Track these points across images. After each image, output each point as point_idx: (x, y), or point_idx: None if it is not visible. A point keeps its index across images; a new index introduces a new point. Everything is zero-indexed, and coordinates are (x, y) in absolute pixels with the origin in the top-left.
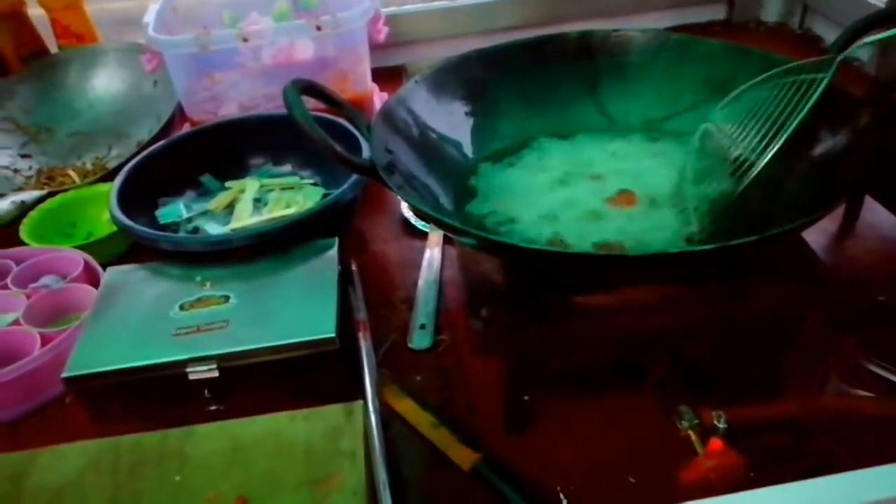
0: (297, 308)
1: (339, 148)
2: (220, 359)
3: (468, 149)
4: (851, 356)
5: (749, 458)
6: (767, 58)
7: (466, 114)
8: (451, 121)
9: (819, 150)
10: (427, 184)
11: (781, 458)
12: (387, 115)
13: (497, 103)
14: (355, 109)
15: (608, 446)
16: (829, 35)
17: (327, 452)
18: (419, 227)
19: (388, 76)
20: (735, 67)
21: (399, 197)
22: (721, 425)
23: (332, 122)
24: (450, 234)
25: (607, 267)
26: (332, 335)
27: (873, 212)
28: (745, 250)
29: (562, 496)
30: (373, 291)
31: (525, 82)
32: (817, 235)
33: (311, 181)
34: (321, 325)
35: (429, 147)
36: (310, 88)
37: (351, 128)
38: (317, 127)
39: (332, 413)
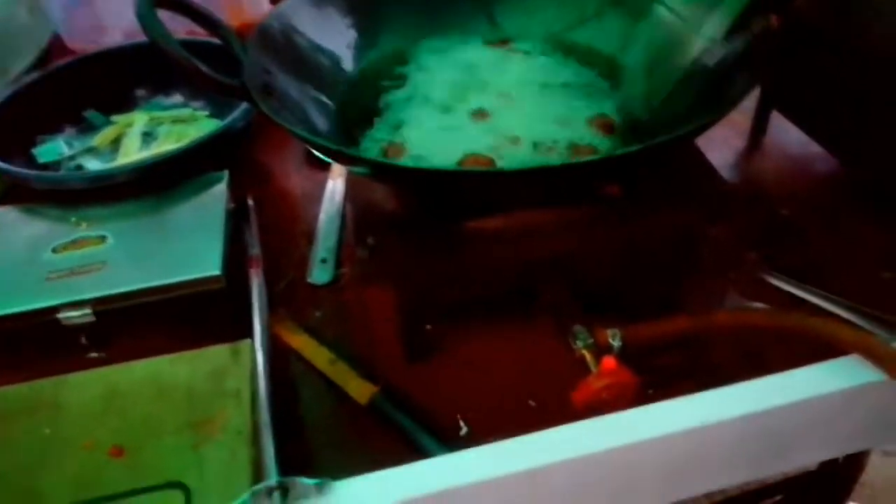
0: (180, 246)
1: (204, 68)
2: (94, 302)
3: (348, 65)
4: (752, 271)
5: (646, 377)
6: None
7: (348, 27)
8: (338, 38)
9: (711, 58)
10: (308, 108)
11: (679, 375)
12: (263, 32)
13: (383, 18)
14: (229, 28)
15: (508, 372)
16: None
17: (211, 393)
18: (324, 158)
19: None
20: None
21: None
22: (616, 343)
23: (216, 46)
24: (335, 161)
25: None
26: (218, 273)
27: (781, 129)
28: (632, 162)
29: (461, 423)
30: (274, 227)
31: None
32: (723, 153)
33: (206, 112)
34: (206, 262)
35: (313, 67)
36: (167, 0)
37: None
38: (176, 44)
39: (217, 354)
